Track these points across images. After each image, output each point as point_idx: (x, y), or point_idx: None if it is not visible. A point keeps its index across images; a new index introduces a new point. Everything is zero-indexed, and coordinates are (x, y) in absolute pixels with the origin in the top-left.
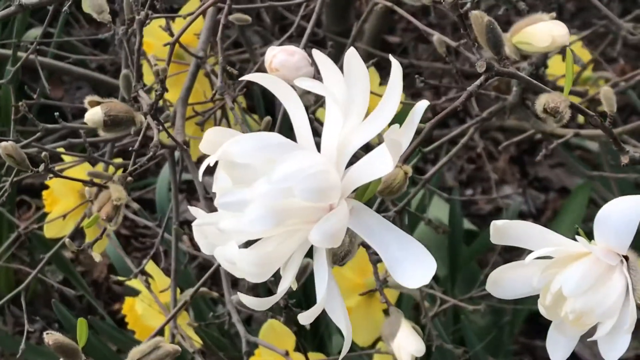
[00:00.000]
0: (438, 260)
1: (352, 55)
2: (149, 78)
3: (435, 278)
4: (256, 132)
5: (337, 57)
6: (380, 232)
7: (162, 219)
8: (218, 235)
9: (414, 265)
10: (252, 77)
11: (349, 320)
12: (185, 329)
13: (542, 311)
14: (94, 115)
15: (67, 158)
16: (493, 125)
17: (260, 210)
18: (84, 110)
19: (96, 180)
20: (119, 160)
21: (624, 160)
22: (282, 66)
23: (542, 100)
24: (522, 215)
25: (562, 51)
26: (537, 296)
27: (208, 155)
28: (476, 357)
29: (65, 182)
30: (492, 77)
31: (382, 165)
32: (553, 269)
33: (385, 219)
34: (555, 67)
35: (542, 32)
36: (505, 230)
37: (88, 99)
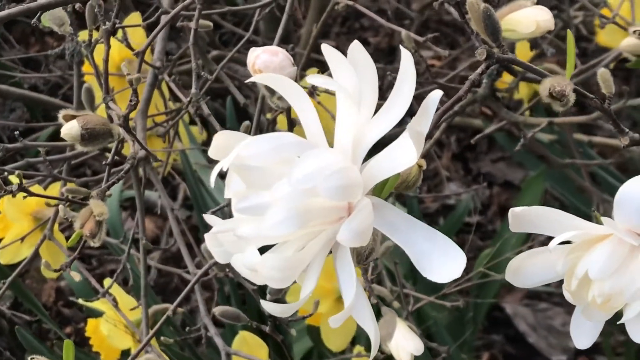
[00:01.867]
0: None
1: (356, 48)
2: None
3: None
4: (267, 133)
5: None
6: (405, 228)
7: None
8: (235, 242)
9: (441, 260)
10: (257, 78)
11: (376, 322)
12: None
13: (568, 297)
14: (70, 129)
15: (14, 179)
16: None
17: (282, 213)
18: (21, 133)
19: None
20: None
21: (624, 141)
22: (265, 67)
23: (547, 85)
24: (469, 212)
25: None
26: (495, 290)
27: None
28: (449, 356)
29: (17, 205)
30: (492, 65)
31: (405, 157)
32: (575, 253)
33: (408, 215)
34: (522, 54)
35: (527, 18)
36: (523, 217)
37: (63, 113)
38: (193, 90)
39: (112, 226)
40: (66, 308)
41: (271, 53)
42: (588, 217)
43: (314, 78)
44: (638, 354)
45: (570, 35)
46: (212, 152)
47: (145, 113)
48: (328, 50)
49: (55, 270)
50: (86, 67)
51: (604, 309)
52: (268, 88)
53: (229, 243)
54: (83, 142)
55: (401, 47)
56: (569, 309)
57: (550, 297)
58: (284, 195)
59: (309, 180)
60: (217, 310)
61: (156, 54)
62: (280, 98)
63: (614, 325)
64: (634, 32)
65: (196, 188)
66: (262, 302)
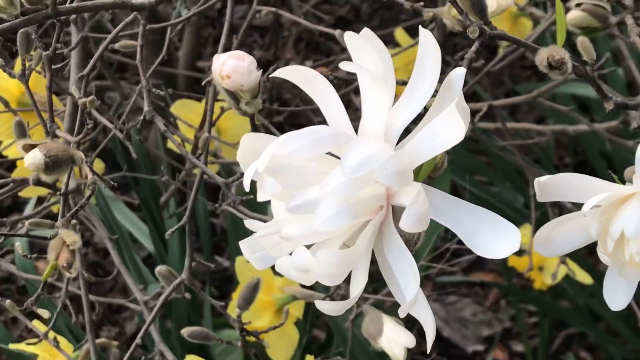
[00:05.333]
0: None
1: (368, 33)
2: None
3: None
4: (302, 129)
5: (158, 86)
6: (450, 209)
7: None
8: (277, 245)
9: (493, 236)
10: (280, 72)
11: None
12: None
13: (605, 259)
14: (34, 158)
15: None
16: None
17: (335, 206)
18: None
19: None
20: None
21: (609, 106)
22: (234, 72)
23: (544, 55)
24: None
25: None
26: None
27: None
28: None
29: None
30: (485, 41)
31: (453, 132)
32: (605, 215)
33: (451, 196)
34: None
35: None
36: (549, 186)
37: (21, 142)
38: (146, 108)
39: (22, 267)
40: None
41: (238, 58)
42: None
43: (344, 64)
44: (550, 335)
45: (559, 4)
46: (240, 155)
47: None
48: (350, 37)
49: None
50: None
51: None
52: (232, 96)
53: (271, 247)
54: (47, 170)
55: (420, 27)
56: (477, 299)
57: (458, 289)
58: (335, 188)
59: (363, 168)
60: (185, 331)
61: (72, 82)
62: (248, 104)
63: (523, 310)
64: (577, 4)
65: (110, 218)
66: (316, 302)
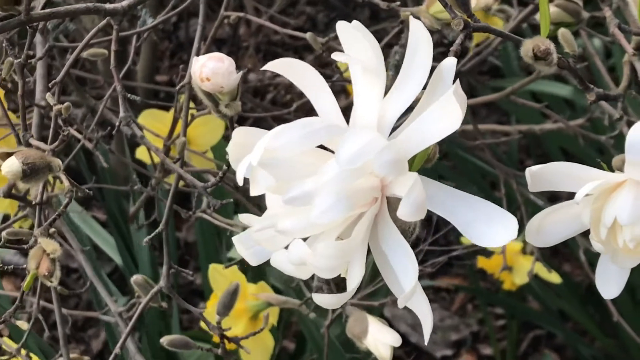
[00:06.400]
0: None
1: (358, 27)
2: None
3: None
4: (293, 122)
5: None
6: (445, 199)
7: None
8: (272, 240)
9: (489, 225)
10: (270, 65)
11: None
12: None
13: (598, 247)
14: (11, 166)
15: None
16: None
17: (331, 197)
18: None
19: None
20: None
21: (590, 97)
22: (214, 74)
23: (529, 46)
24: None
25: None
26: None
27: None
28: None
29: None
30: (470, 34)
31: (451, 119)
32: (597, 203)
33: (446, 186)
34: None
35: None
36: (541, 176)
37: None
38: (122, 114)
39: None
40: None
41: (217, 59)
42: None
43: (336, 55)
44: (518, 338)
45: None
46: (231, 150)
47: None
48: (342, 26)
49: None
50: None
51: (634, 254)
52: (211, 98)
53: (266, 241)
54: (25, 178)
55: (411, 17)
56: (443, 304)
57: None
58: (331, 179)
59: (359, 158)
60: (165, 339)
61: (38, 93)
62: (228, 106)
63: (491, 313)
64: (550, 0)
65: (76, 231)
66: (314, 295)
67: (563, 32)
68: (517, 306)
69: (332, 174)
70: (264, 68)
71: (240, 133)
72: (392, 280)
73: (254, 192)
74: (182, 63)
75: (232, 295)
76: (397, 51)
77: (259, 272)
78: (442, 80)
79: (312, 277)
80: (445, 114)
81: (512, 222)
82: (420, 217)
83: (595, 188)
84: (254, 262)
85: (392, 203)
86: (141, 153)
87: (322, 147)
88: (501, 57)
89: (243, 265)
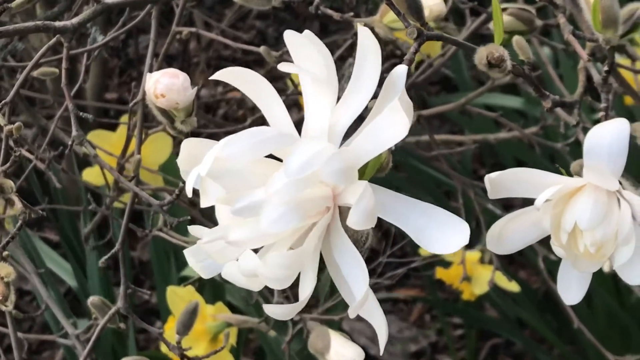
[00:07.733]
0: None
1: (310, 35)
2: None
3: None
4: (243, 131)
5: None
6: (396, 206)
7: None
8: (222, 252)
9: (441, 231)
10: (219, 75)
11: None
12: None
13: (559, 252)
14: None
15: None
16: None
17: (281, 207)
18: None
19: None
20: None
21: (547, 104)
22: (169, 90)
23: (483, 53)
24: None
25: None
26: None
27: None
28: None
29: None
30: (423, 42)
31: (397, 128)
32: (557, 208)
33: (397, 193)
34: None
35: None
36: (500, 183)
37: None
38: (74, 132)
39: None
40: None
41: (171, 75)
42: None
43: (284, 66)
44: (477, 346)
45: (495, 3)
46: (181, 160)
47: None
48: (290, 36)
49: None
50: None
51: (595, 258)
52: (166, 115)
53: (217, 253)
54: None
55: (358, 25)
56: (401, 315)
57: (382, 306)
58: (280, 188)
59: (308, 167)
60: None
61: None
62: (184, 122)
63: (449, 323)
64: (503, 9)
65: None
66: (265, 306)
67: (517, 39)
68: (475, 315)
69: (280, 184)
70: (213, 77)
71: (191, 144)
72: (345, 290)
73: (204, 203)
74: (132, 80)
75: (192, 314)
76: (352, 63)
77: (216, 291)
78: (394, 88)
79: (273, 294)
80: (392, 123)
81: (464, 227)
82: (370, 225)
83: (555, 193)
84: (206, 275)
85: (344, 212)
86: (88, 174)
87: (274, 158)
88: (452, 67)
89: (201, 283)
